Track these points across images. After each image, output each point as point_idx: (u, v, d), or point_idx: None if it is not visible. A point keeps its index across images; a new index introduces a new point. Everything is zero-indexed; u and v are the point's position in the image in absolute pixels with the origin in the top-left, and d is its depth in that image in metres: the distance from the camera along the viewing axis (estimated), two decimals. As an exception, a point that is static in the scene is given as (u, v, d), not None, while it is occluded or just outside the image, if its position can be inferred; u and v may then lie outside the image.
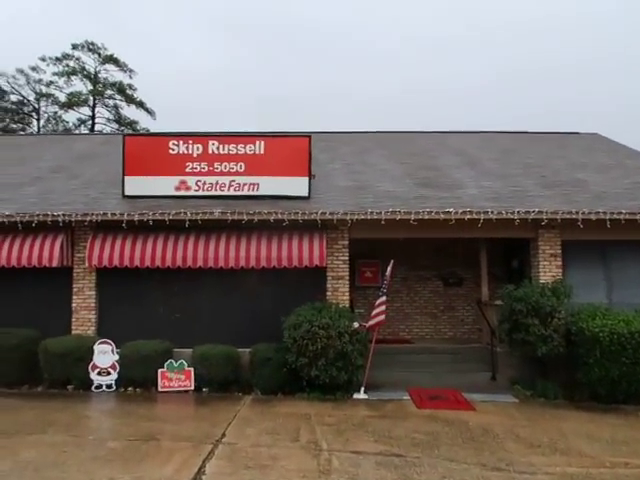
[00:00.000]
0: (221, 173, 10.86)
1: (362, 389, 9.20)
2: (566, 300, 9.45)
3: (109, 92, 41.63)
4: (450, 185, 11.64)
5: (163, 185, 10.86)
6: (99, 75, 41.17)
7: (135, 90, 40.89)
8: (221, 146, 10.91)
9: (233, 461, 5.90)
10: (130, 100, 40.53)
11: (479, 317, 12.56)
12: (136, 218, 9.99)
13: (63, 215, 9.94)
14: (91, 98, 40.85)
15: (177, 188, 10.87)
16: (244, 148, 10.90)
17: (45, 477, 5.44)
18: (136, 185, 10.92)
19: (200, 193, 10.84)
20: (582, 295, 9.98)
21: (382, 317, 9.77)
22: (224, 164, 10.88)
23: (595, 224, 9.86)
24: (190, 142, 10.94)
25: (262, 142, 10.91)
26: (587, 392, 9.15)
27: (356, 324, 9.17)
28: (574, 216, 9.83)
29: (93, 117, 41.04)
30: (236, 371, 9.61)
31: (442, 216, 9.85)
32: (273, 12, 59.21)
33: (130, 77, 40.71)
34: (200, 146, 10.92)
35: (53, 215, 9.93)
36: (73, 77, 40.16)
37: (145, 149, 11.08)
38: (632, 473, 5.83)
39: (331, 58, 60.16)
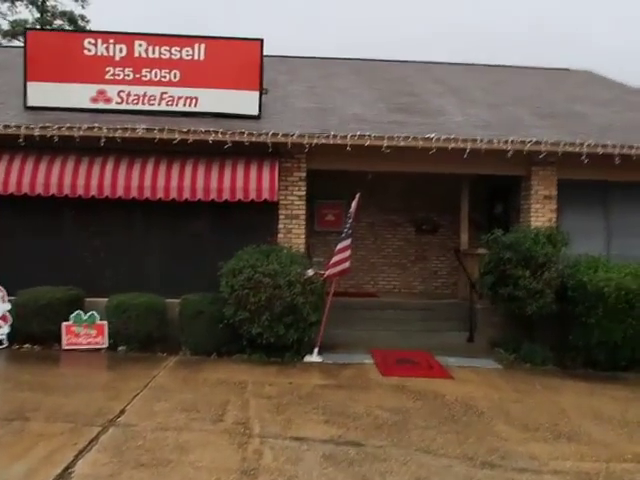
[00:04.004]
0: (150, 82, 8.72)
1: (315, 350, 7.54)
2: (563, 249, 7.90)
3: (58, 22, 37.80)
4: (431, 111, 9.81)
5: (76, 95, 8.68)
6: (47, 3, 37.24)
7: (88, 22, 37.18)
8: (150, 48, 8.72)
9: (121, 454, 4.14)
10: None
11: (454, 269, 11.01)
12: (37, 133, 7.89)
13: (-61, 125, 7.73)
14: (38, 27, 36.95)
15: (94, 99, 8.71)
16: (179, 52, 8.74)
17: None
18: (42, 94, 8.71)
19: (123, 107, 8.70)
20: (577, 244, 8.42)
21: (346, 265, 8.07)
22: (154, 71, 8.72)
23: (600, 160, 8.24)
24: (111, 41, 8.71)
25: (202, 45, 8.75)
26: (581, 357, 7.73)
27: (310, 271, 7.42)
28: (577, 149, 8.17)
29: (40, 49, 37.17)
30: (162, 326, 7.79)
31: (421, 143, 8.04)
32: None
33: (82, 7, 36.83)
34: (124, 47, 8.70)
35: None
36: (18, 3, 36.06)
37: (54, 49, 8.79)
38: (666, 471, 4.34)
39: None
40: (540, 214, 8.87)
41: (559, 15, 53.33)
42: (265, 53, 8.87)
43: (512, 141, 8.13)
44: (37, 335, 7.69)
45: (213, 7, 51.26)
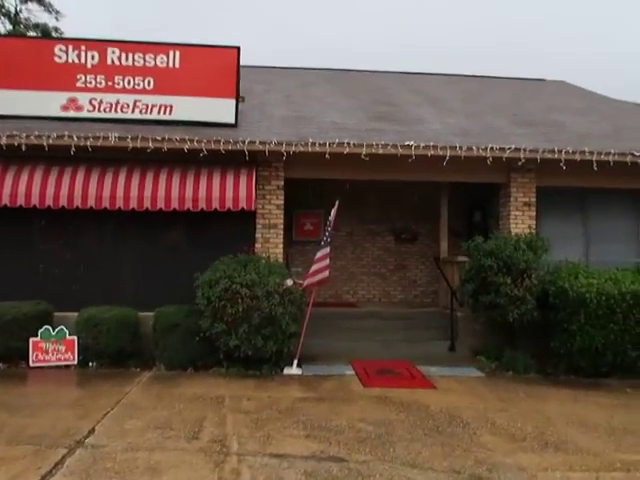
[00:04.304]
0: (123, 90, 8.50)
1: (295, 362, 7.33)
2: (544, 256, 7.86)
3: (32, 34, 37.20)
4: (409, 120, 9.77)
5: (47, 103, 8.42)
6: (20, 14, 36.66)
7: (62, 34, 36.67)
8: (124, 55, 8.51)
9: (89, 478, 3.88)
10: (55, 44, 36.17)
11: (434, 278, 10.96)
12: (4, 142, 7.62)
13: None
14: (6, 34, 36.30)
15: (65, 107, 8.45)
16: (154, 59, 8.55)
17: None
18: (10, 102, 8.41)
19: (95, 115, 8.47)
20: (556, 251, 8.38)
21: (326, 274, 7.88)
22: (127, 79, 8.51)
23: (578, 167, 8.26)
24: (82, 48, 8.48)
25: (177, 52, 8.58)
26: (563, 364, 7.66)
27: (289, 281, 7.23)
28: (556, 156, 8.17)
29: (12, 60, 36.42)
30: (135, 340, 7.51)
31: (400, 151, 7.95)
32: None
33: (57, 19, 36.33)
34: (96, 54, 8.48)
35: None
36: (-10, 15, 35.45)
37: (23, 56, 8.51)
38: (656, 479, 4.24)
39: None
40: (519, 221, 8.85)
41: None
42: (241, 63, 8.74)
43: (491, 148, 8.10)
44: (2, 352, 7.33)
45: (177, 21, 51.45)
